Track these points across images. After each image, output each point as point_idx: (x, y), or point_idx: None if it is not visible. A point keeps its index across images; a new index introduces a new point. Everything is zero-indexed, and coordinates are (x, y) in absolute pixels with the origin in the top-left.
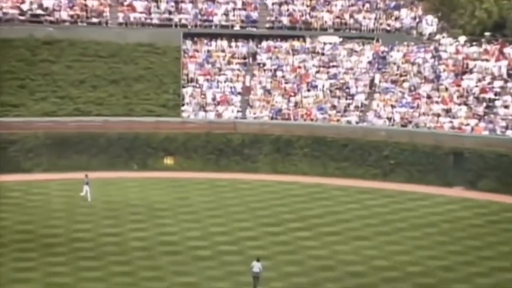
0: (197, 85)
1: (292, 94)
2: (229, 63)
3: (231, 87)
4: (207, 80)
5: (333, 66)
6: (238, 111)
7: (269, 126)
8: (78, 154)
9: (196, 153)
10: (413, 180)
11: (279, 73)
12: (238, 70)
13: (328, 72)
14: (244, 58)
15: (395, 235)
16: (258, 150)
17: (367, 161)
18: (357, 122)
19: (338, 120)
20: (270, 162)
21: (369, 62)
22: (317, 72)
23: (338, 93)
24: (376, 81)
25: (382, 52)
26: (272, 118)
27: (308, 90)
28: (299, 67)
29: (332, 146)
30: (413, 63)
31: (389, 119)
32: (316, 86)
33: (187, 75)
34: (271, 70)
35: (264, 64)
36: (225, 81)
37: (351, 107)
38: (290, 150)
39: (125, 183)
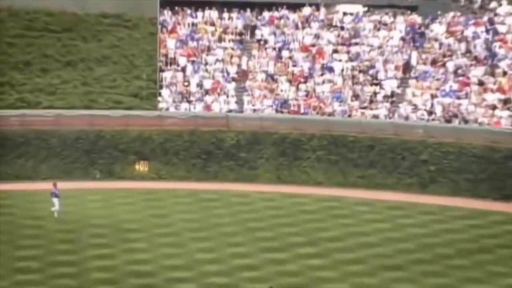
0: (179, 69)
1: (302, 80)
2: (220, 40)
3: (223, 71)
4: (192, 62)
5: (356, 44)
6: (232, 103)
7: (272, 121)
8: (22, 158)
9: (177, 157)
10: (460, 193)
11: (285, 53)
12: (232, 49)
13: (348, 52)
14: (240, 33)
15: (436, 264)
16: (257, 153)
17: (399, 168)
18: (386, 117)
19: (362, 114)
20: (274, 168)
21: (402, 39)
22: (335, 51)
23: (361, 78)
24: (412, 62)
25: (419, 26)
26: (276, 112)
27: (323, 75)
28: (312, 45)
29: (354, 148)
30: (460, 40)
31: (429, 112)
32: (333, 70)
33: (166, 55)
34: (274, 49)
35: (265, 41)
36: (215, 63)
37: (379, 97)
38: (299, 153)
39: (85, 196)
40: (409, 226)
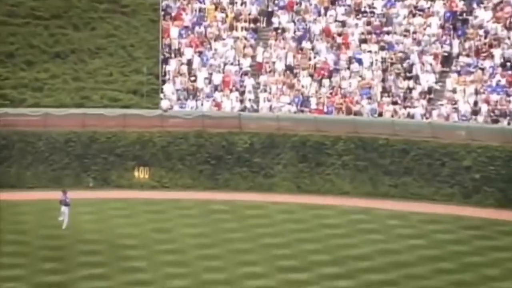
0: (184, 61)
1: (326, 74)
2: (231, 28)
3: (234, 64)
4: (199, 53)
5: (387, 33)
6: (245, 100)
7: (291, 122)
8: (4, 164)
9: (182, 163)
10: (508, 204)
11: (306, 43)
12: (245, 38)
13: (379, 41)
14: (255, 20)
15: (483, 286)
16: (274, 159)
17: (438, 175)
18: (423, 116)
19: (394, 113)
20: (293, 176)
21: (441, 26)
22: (363, 40)
23: (394, 72)
24: (453, 54)
25: (461, 11)
26: (296, 110)
27: (349, 68)
28: (337, 34)
29: (385, 153)
30: (508, 27)
31: (473, 111)
32: (361, 62)
33: (169, 46)
34: (294, 38)
35: (283, 30)
36: (226, 55)
37: (414, 94)
38: (322, 158)
39: (76, 207)
40: (449, 242)
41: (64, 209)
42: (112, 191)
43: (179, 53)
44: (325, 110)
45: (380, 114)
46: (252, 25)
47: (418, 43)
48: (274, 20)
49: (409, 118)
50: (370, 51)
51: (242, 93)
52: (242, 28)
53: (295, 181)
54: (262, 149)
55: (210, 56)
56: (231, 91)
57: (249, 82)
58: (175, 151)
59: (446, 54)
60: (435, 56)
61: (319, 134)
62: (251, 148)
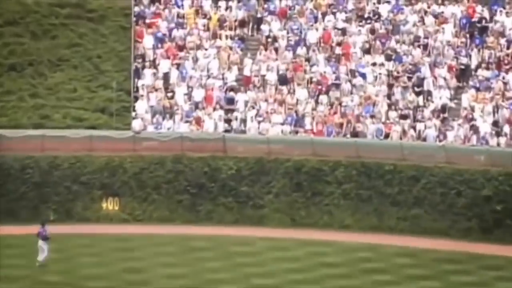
0: (160, 75)
1: (324, 89)
2: (215, 36)
3: (218, 78)
4: (177, 65)
5: (395, 42)
6: (230, 120)
7: (283, 144)
8: None
9: (158, 193)
10: None
11: (300, 52)
12: (231, 48)
13: (384, 51)
14: (242, 25)
15: None
16: (264, 187)
17: (453, 207)
18: (436, 139)
19: (403, 135)
20: (286, 207)
21: (457, 34)
22: (367, 51)
23: (402, 87)
24: (470, 66)
25: (479, 17)
26: (290, 132)
27: (350, 82)
28: (337, 44)
29: (392, 180)
30: None
31: (495, 133)
32: (364, 76)
33: (143, 57)
34: (287, 48)
35: (275, 38)
36: (208, 67)
37: (426, 112)
38: (319, 186)
39: (34, 244)
40: (467, 285)
41: (41, 243)
42: (76, 225)
43: (154, 65)
44: (323, 130)
45: (387, 136)
46: (238, 33)
47: (430, 53)
48: (264, 27)
49: (420, 141)
50: (374, 64)
51: (227, 112)
52: (227, 36)
53: (289, 213)
54: (251, 176)
55: (190, 68)
56: (214, 109)
57: (235, 98)
58: (149, 179)
59: (462, 66)
60: (450, 68)
61: (316, 158)
62: (237, 174)
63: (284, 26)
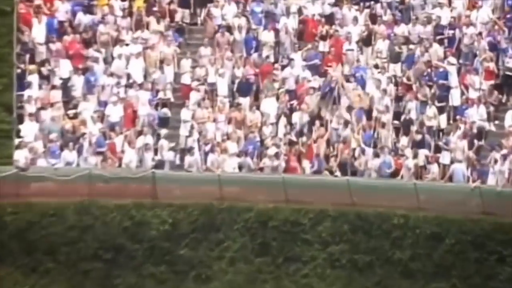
0: (57, 83)
1: (302, 101)
2: (139, 25)
3: (144, 88)
4: (83, 70)
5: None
6: (162, 149)
7: (241, 186)
8: None
9: (54, 259)
10: None
11: (267, 51)
12: (163, 43)
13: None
14: (180, 13)
15: None
16: (213, 250)
17: (493, 278)
18: (466, 177)
19: (418, 171)
20: (245, 279)
21: (494, 23)
22: (366, 44)
23: (417, 99)
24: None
25: None
26: (252, 167)
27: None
28: (321, 37)
29: (403, 240)
30: None
31: None
32: (361, 81)
33: (32, 55)
34: (246, 44)
35: (229, 29)
36: (128, 72)
37: (453, 138)
38: (295, 248)
39: None
40: None
41: None
42: None
43: (47, 68)
44: (301, 165)
45: (396, 174)
46: (175, 22)
47: (460, 52)
48: (214, 11)
49: (445, 181)
50: (376, 66)
51: (158, 137)
52: (157, 25)
53: (249, 284)
54: (193, 234)
55: (102, 73)
56: (139, 133)
57: (169, 118)
58: (41, 239)
59: (509, 73)
60: (488, 74)
61: (290, 207)
62: (173, 231)
63: (243, 10)
